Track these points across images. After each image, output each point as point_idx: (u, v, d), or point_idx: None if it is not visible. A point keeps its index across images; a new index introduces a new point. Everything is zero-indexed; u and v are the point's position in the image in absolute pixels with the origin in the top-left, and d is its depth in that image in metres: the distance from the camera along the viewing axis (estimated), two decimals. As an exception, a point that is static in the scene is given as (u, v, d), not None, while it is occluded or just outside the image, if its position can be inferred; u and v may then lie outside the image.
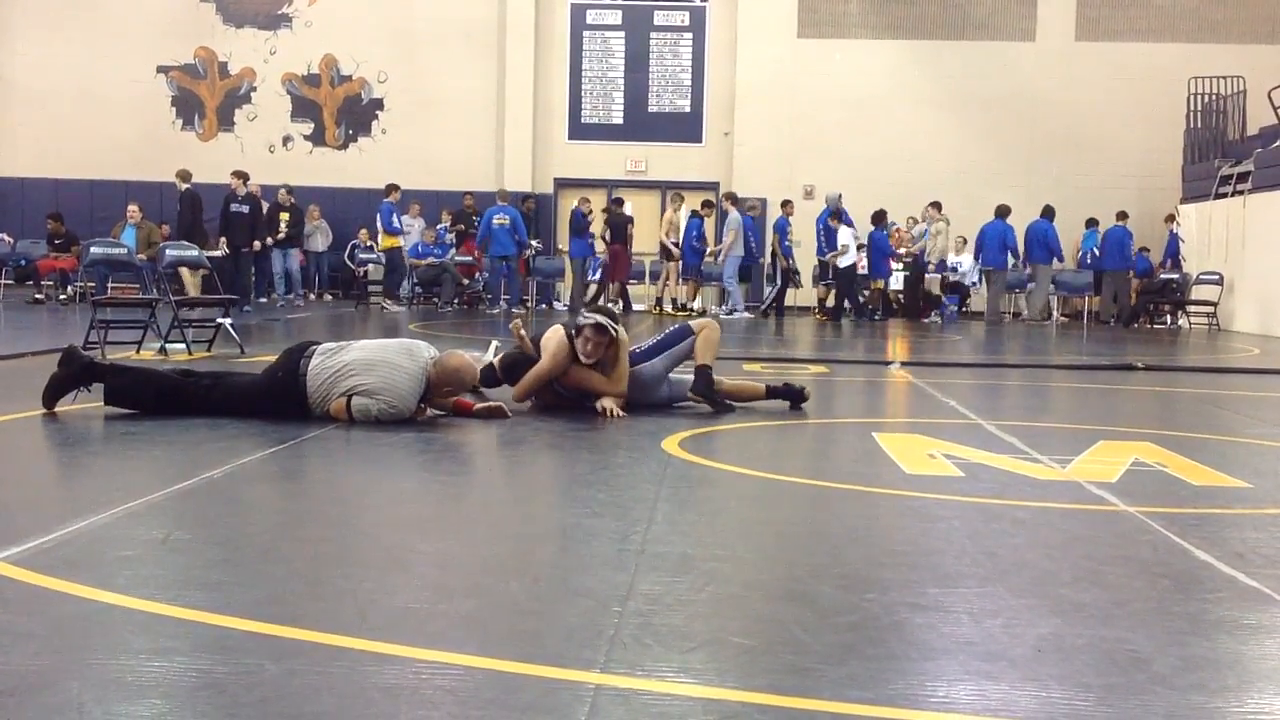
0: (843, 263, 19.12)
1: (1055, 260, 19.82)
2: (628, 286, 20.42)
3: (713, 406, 6.99)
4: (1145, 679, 2.59)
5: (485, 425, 6.36)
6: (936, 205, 20.27)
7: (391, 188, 19.79)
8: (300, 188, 21.89)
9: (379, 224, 19.79)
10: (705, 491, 4.90)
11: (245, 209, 17.69)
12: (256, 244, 17.81)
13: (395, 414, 6.07)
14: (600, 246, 20.27)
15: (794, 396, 7.26)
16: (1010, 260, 19.59)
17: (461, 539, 3.92)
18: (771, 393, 7.29)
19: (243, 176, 18.06)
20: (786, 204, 20.16)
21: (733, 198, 19.96)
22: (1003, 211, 19.47)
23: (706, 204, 20.64)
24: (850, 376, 10.05)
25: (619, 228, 19.95)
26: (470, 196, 21.26)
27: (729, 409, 7.01)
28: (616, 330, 6.74)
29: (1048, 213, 19.65)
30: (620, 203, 20.48)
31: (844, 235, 19.15)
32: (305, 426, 5.95)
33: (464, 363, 6.32)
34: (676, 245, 19.96)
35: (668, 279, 20.27)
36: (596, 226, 20.32)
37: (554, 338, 6.82)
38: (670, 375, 7.12)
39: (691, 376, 7.01)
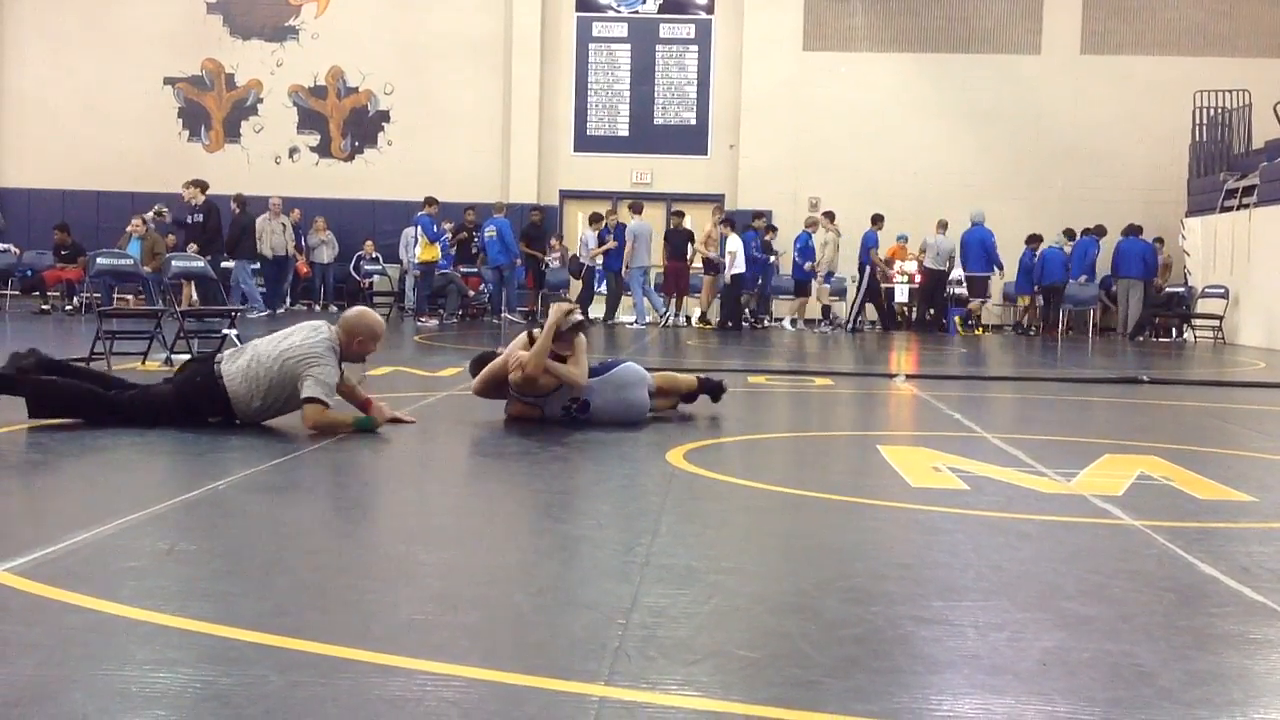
0: (731, 271, 19.21)
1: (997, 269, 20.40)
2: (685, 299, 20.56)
3: (717, 392, 7.38)
4: (1151, 693, 2.58)
5: (490, 437, 6.36)
6: (830, 215, 20.29)
7: (429, 200, 19.69)
8: (306, 199, 21.98)
9: (419, 235, 19.60)
10: (710, 504, 4.90)
11: (199, 218, 17.63)
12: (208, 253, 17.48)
13: (327, 375, 6.11)
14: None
15: (713, 390, 7.44)
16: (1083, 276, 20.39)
17: (466, 550, 3.92)
18: (703, 385, 7.46)
19: (199, 186, 17.89)
20: (878, 219, 20.18)
21: (637, 208, 19.88)
22: (1099, 231, 20.62)
23: (757, 215, 20.60)
24: (854, 389, 10.05)
25: (680, 243, 19.95)
26: (472, 211, 21.26)
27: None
28: (582, 319, 6.86)
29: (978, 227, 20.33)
30: (682, 216, 20.42)
31: (732, 244, 19.19)
32: (309, 439, 5.96)
33: (361, 309, 6.43)
34: (719, 259, 19.82)
35: (709, 293, 20.23)
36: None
37: (516, 340, 6.90)
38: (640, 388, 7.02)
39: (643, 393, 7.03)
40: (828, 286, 20.36)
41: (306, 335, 6.20)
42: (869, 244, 20.00)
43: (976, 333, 20.07)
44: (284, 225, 20.41)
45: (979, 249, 19.96)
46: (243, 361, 6.17)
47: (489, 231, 19.80)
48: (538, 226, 21.04)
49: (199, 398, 6.20)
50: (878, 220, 20.23)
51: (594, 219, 20.27)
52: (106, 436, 5.87)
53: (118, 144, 22.85)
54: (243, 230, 19.18)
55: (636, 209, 19.82)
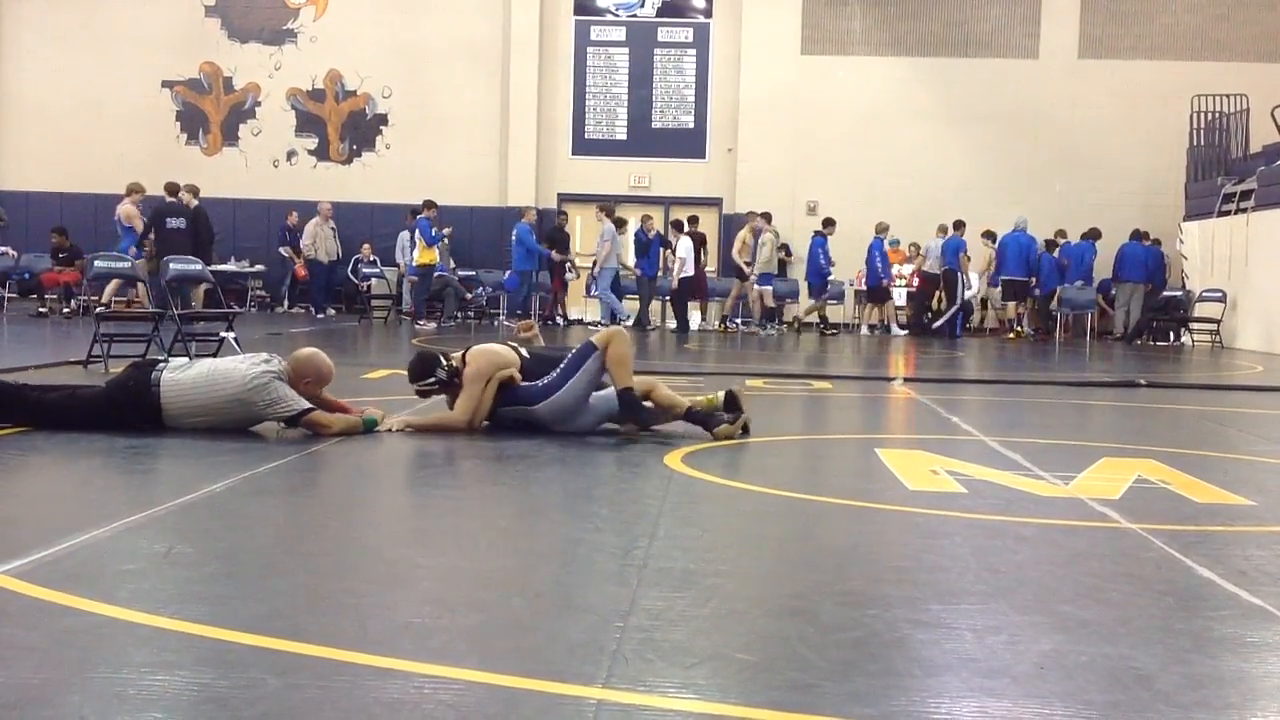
0: (678, 275, 19.17)
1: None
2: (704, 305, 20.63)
3: (640, 427, 6.57)
4: (1149, 696, 2.58)
5: (487, 440, 6.36)
6: (767, 216, 20.25)
7: (428, 204, 19.71)
8: (304, 203, 21.95)
9: (417, 239, 19.59)
10: (708, 507, 4.90)
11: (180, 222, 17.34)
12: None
13: (288, 393, 6.12)
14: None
15: (706, 424, 6.60)
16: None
17: (463, 553, 3.92)
18: (690, 416, 6.65)
19: (190, 190, 17.58)
20: (960, 225, 20.15)
21: (608, 210, 19.88)
22: (1095, 235, 20.62)
23: (827, 221, 20.58)
24: (852, 392, 10.05)
25: (693, 248, 19.95)
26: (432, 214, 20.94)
27: (655, 419, 6.64)
28: (433, 383, 6.65)
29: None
30: (695, 220, 20.34)
31: (683, 247, 19.15)
32: (306, 442, 5.96)
33: (313, 351, 6.38)
34: (748, 265, 19.69)
35: (735, 297, 20.17)
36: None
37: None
38: (591, 397, 6.59)
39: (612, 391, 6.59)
40: (768, 288, 20.09)
41: (261, 365, 6.16)
42: (956, 249, 19.96)
43: (1023, 337, 20.18)
44: (333, 230, 21.15)
45: (1021, 254, 20.06)
46: (188, 377, 6.14)
47: (513, 236, 19.88)
48: (561, 230, 21.02)
49: (127, 403, 6.14)
50: (960, 226, 20.15)
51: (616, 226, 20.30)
52: (102, 440, 5.87)
53: (116, 147, 22.82)
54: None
55: (609, 212, 19.81)
